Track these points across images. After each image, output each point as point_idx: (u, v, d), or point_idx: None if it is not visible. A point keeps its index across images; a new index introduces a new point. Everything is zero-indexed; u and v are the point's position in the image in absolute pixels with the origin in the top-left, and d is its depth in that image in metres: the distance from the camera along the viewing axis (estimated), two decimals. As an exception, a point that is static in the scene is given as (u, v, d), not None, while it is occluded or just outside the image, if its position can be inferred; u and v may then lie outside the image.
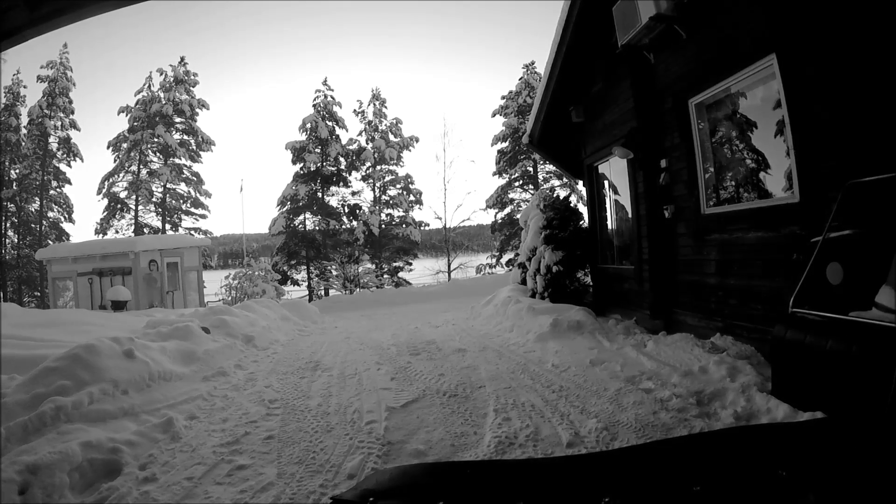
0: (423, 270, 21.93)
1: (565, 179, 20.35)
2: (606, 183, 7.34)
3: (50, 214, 22.95)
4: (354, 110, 21.99)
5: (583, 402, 3.29)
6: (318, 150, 20.63)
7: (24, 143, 21.56)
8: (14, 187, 21.89)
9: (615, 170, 6.89)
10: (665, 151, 5.46)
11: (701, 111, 4.98)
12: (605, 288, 7.26)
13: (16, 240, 22.62)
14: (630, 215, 6.35)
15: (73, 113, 22.51)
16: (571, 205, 8.15)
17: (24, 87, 22.19)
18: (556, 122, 7.87)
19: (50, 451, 2.87)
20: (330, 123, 20.99)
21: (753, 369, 3.63)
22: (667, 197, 5.45)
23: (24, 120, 21.90)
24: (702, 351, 4.26)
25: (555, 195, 8.43)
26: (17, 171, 22.08)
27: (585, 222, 7.88)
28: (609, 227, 7.39)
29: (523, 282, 8.30)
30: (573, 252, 7.41)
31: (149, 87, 22.29)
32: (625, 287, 6.59)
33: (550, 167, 21.15)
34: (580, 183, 10.00)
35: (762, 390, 3.25)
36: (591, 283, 7.75)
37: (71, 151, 22.60)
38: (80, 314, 7.65)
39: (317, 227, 20.70)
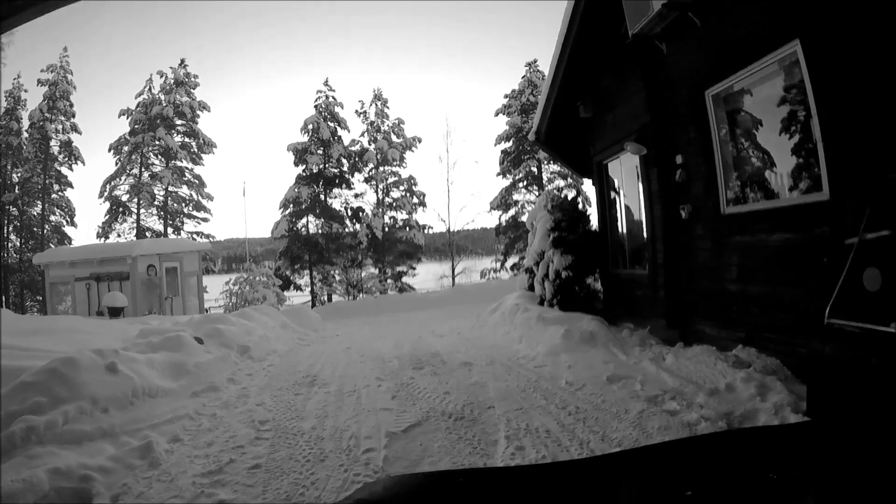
0: (427, 275, 21.62)
1: (570, 180, 20.03)
2: (617, 181, 7.05)
3: (52, 218, 22.81)
4: (356, 111, 21.73)
5: (602, 426, 2.99)
6: (320, 152, 20.38)
7: (25, 147, 21.43)
8: (16, 191, 21.78)
9: (626, 167, 6.61)
10: (680, 147, 5.19)
11: (718, 103, 4.68)
12: (617, 294, 6.96)
13: (18, 244, 22.50)
14: (643, 216, 6.07)
15: (73, 116, 22.40)
16: (580, 206, 7.84)
17: (25, 90, 22.13)
18: (563, 118, 7.59)
19: (13, 480, 2.61)
20: (332, 124, 20.74)
21: (784, 386, 3.35)
22: (683, 196, 5.17)
23: (26, 123, 21.81)
24: (726, 365, 3.96)
25: (563, 195, 8.10)
26: (19, 174, 21.97)
27: (594, 224, 7.57)
28: (620, 228, 7.09)
29: (531, 287, 7.99)
30: (583, 256, 7.08)
31: (149, 89, 22.14)
32: (637, 294, 6.31)
33: (555, 167, 20.83)
34: (585, 182, 9.75)
35: (796, 411, 3.01)
36: (602, 289, 7.44)
37: (72, 155, 22.45)
38: (73, 321, 7.40)
39: (319, 231, 20.42)
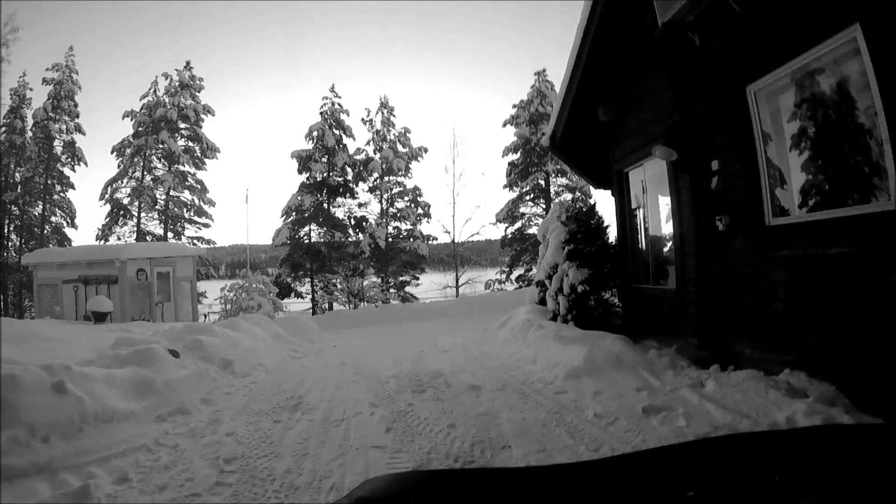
0: (430, 285, 21.11)
1: (579, 193, 19.60)
2: (639, 191, 6.55)
3: (52, 219, 22.45)
4: (362, 119, 21.42)
5: (651, 481, 2.37)
6: (324, 160, 20.04)
7: (28, 146, 21.14)
8: (18, 190, 21.46)
9: (650, 175, 6.14)
10: (716, 151, 4.71)
11: (762, 100, 4.16)
12: (638, 310, 6.44)
13: (18, 243, 22.11)
14: (670, 228, 5.62)
15: (77, 117, 22.13)
16: (597, 217, 7.31)
17: (31, 89, 21.88)
18: (579, 123, 7.16)
19: None
20: (337, 132, 20.41)
21: (852, 419, 2.87)
22: (719, 205, 4.68)
23: (30, 122, 21.54)
24: (778, 394, 3.40)
25: (578, 206, 7.58)
26: (21, 173, 21.67)
27: (611, 237, 7.06)
28: (641, 241, 6.63)
29: (541, 301, 7.45)
30: (600, 270, 6.57)
31: (154, 91, 21.85)
32: (662, 310, 5.82)
33: (563, 180, 20.49)
34: (594, 196, 9.28)
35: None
36: (620, 305, 6.89)
37: (75, 156, 22.15)
38: (48, 327, 6.85)
39: (322, 239, 20.06)
